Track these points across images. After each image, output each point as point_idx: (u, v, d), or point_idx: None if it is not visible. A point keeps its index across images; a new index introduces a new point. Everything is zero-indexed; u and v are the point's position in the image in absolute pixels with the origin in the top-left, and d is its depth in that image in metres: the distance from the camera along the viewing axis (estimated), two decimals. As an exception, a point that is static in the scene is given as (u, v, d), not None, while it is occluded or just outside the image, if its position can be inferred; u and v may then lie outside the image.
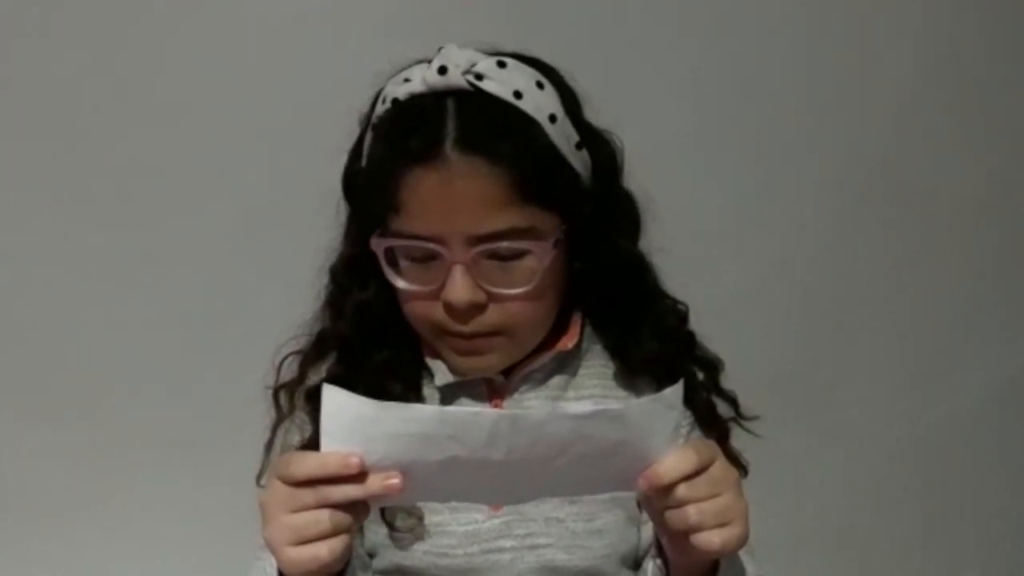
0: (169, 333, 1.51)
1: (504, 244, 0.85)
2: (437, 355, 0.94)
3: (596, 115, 0.96)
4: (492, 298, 0.87)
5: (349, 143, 0.96)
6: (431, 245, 0.85)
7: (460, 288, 0.85)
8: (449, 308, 0.87)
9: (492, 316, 0.88)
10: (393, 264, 0.89)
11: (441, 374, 0.94)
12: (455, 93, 0.86)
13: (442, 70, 0.86)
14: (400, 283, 0.89)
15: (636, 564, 0.97)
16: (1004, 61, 1.75)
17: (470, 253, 0.85)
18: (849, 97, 1.67)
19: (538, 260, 0.87)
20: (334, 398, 0.70)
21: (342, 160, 0.96)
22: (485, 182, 0.84)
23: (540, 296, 0.89)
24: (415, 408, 0.71)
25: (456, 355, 0.92)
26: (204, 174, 1.47)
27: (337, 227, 0.97)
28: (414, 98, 0.87)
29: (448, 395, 0.95)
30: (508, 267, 0.87)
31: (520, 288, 0.87)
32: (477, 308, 0.87)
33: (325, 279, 0.98)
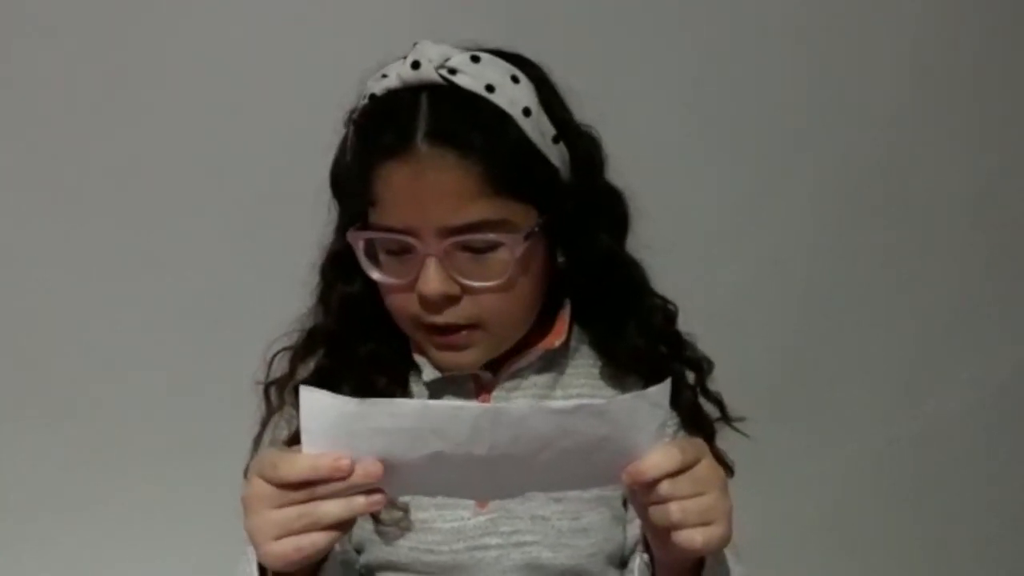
0: (168, 333, 1.51)
1: (476, 236, 0.86)
2: (424, 351, 0.95)
3: (593, 114, 0.97)
4: (465, 290, 0.88)
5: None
6: (404, 238, 0.86)
7: (432, 280, 0.86)
8: (423, 300, 0.88)
9: (466, 309, 0.89)
10: (372, 257, 0.90)
11: (428, 370, 0.94)
12: (428, 88, 0.87)
13: (415, 65, 0.87)
14: (376, 275, 0.90)
15: (622, 563, 0.97)
16: (1001, 60, 1.75)
17: (443, 245, 0.86)
18: (847, 97, 1.68)
19: (510, 252, 0.87)
20: (312, 398, 0.70)
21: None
22: (456, 174, 0.85)
23: (513, 288, 0.89)
24: (397, 403, 0.70)
25: (435, 350, 0.92)
26: (201, 173, 1.48)
27: (328, 224, 0.98)
28: (389, 93, 0.88)
29: (435, 391, 0.95)
30: (481, 259, 0.87)
31: (493, 280, 0.87)
32: (451, 300, 0.88)
33: (317, 277, 0.99)
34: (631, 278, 0.99)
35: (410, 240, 0.86)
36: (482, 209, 0.86)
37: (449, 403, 0.72)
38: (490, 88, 0.87)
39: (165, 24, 1.44)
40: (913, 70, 1.70)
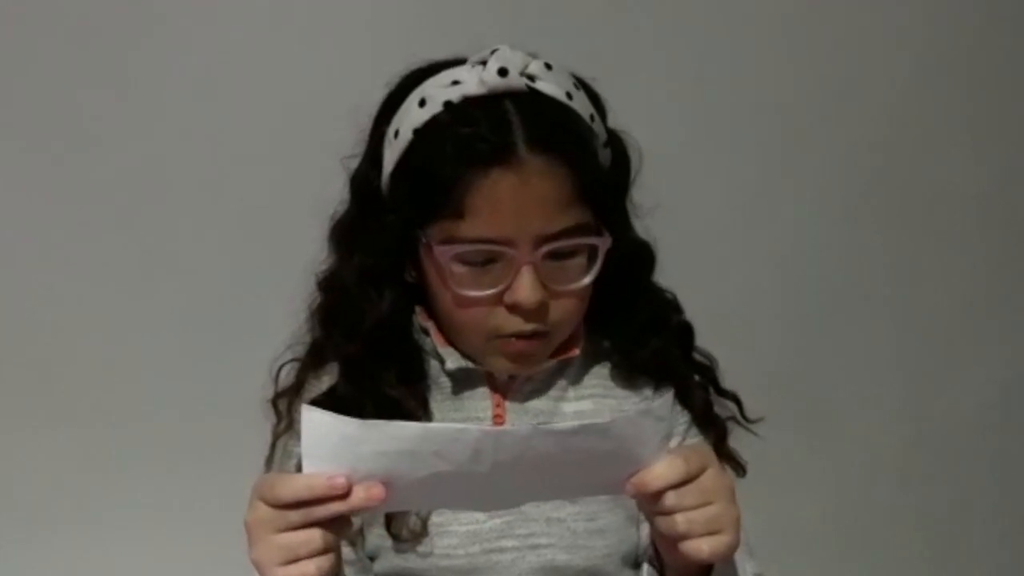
0: (172, 338, 1.51)
1: (568, 242, 0.86)
2: (449, 343, 0.94)
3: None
4: (552, 295, 0.88)
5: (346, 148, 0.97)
6: (500, 247, 0.85)
7: (530, 288, 0.86)
8: (515, 309, 0.87)
9: (550, 314, 0.89)
10: (440, 272, 0.88)
11: (452, 360, 0.94)
12: (512, 95, 0.86)
13: (503, 72, 0.85)
14: (467, 292, 0.87)
15: (636, 563, 0.97)
16: (1003, 62, 1.72)
17: (538, 253, 0.85)
18: (849, 98, 1.66)
19: (587, 255, 0.88)
20: (314, 419, 0.70)
21: (336, 167, 0.97)
22: (556, 181, 0.85)
23: (587, 292, 0.90)
24: (398, 425, 0.70)
25: (506, 359, 0.91)
26: (206, 179, 1.48)
27: (322, 239, 0.97)
28: (470, 100, 0.86)
29: (458, 383, 0.95)
30: (564, 265, 0.88)
31: (576, 284, 0.88)
32: (542, 307, 0.88)
33: (313, 289, 0.98)
34: (651, 276, 0.99)
35: (505, 249, 0.85)
36: (574, 215, 0.86)
37: (450, 426, 0.72)
38: (569, 95, 0.88)
39: (167, 32, 1.44)
40: (917, 72, 1.68)
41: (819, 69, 1.64)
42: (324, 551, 0.71)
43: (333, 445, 0.70)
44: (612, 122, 0.96)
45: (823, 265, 1.72)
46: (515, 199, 0.84)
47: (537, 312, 0.87)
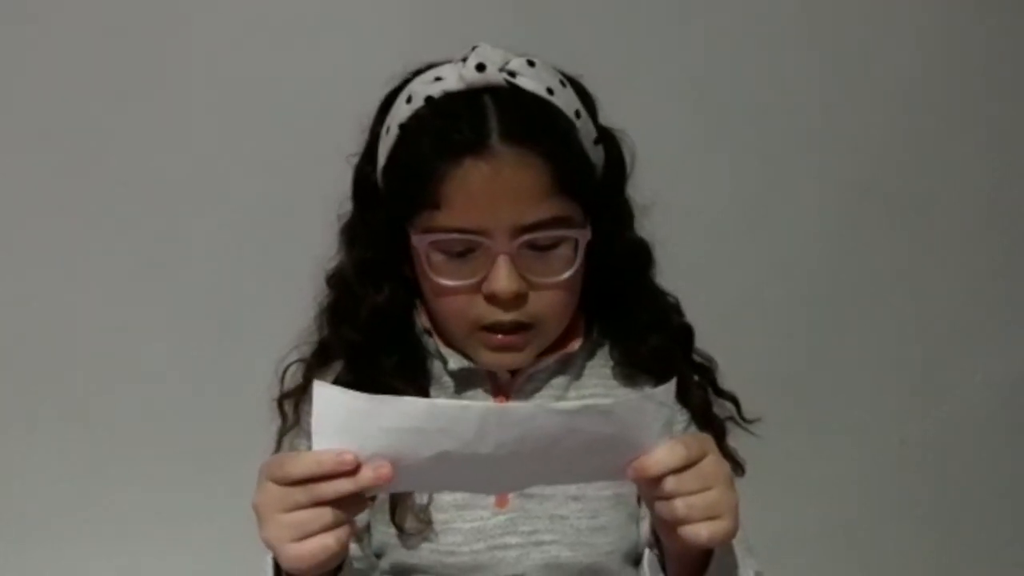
0: (178, 339, 1.52)
1: (546, 233, 0.88)
2: (450, 344, 0.96)
3: (599, 114, 0.98)
4: (532, 287, 0.89)
5: (354, 150, 0.99)
6: (476, 237, 0.87)
7: (506, 278, 0.87)
8: (493, 299, 0.89)
9: (530, 307, 0.90)
10: (422, 262, 0.90)
11: (454, 360, 0.95)
12: (491, 90, 0.89)
13: (480, 67, 0.88)
14: (445, 281, 0.89)
15: (637, 561, 0.97)
16: (1007, 66, 1.73)
17: (514, 244, 0.87)
18: (852, 101, 1.67)
19: (572, 248, 0.90)
20: (325, 394, 0.71)
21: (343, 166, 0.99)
22: (530, 172, 0.86)
23: (574, 286, 0.92)
24: (406, 401, 0.71)
25: (489, 351, 0.93)
26: (211, 179, 1.49)
27: (333, 235, 0.99)
28: (448, 96, 0.89)
29: (460, 383, 0.97)
30: (545, 257, 0.89)
31: (558, 276, 0.89)
32: (519, 298, 0.89)
33: (323, 286, 1.00)
34: (649, 276, 1.01)
35: (481, 239, 0.87)
36: (551, 207, 0.88)
37: (456, 402, 0.73)
38: (550, 91, 0.90)
39: (170, 32, 1.46)
40: (920, 74, 1.69)
41: (822, 69, 1.65)
42: (337, 524, 0.71)
43: (342, 421, 0.71)
44: (616, 121, 0.97)
45: (830, 266, 1.72)
46: (488, 189, 0.86)
47: (515, 302, 0.89)
